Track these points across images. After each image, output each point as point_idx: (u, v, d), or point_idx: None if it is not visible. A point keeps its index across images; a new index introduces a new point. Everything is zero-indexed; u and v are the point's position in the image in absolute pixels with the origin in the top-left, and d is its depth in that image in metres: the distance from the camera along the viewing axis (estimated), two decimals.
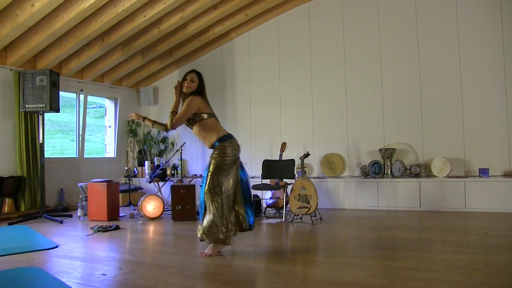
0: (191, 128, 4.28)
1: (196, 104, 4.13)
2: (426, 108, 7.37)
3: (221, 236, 4.02)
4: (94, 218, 6.55)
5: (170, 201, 6.75)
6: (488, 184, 6.56)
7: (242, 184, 4.21)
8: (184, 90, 4.23)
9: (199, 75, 4.26)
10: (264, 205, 7.15)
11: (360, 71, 7.90)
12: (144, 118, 4.34)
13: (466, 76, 7.11)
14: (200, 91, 4.23)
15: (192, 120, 4.19)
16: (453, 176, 6.93)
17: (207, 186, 4.04)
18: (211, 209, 4.01)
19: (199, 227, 4.12)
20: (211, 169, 4.05)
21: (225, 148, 4.10)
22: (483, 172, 6.71)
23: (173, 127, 4.15)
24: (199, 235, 4.12)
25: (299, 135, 8.28)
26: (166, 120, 4.23)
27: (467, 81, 7.10)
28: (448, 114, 7.21)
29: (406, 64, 7.55)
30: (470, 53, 7.10)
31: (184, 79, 4.23)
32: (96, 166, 8.88)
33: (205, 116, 4.17)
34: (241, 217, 4.18)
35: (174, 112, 4.18)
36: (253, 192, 6.49)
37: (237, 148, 4.21)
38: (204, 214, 4.09)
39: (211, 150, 4.18)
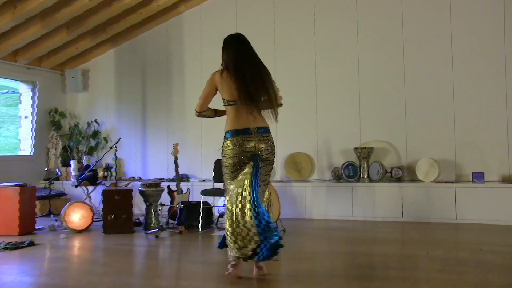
0: None
1: (209, 82, 4.09)
2: (410, 101, 7.45)
3: (231, 254, 3.83)
4: (1, 232, 6.27)
5: (102, 209, 6.61)
6: (483, 191, 6.66)
7: (252, 194, 3.84)
8: None
9: (223, 42, 4.15)
10: (216, 214, 7.06)
11: (333, 57, 7.91)
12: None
13: (459, 65, 7.22)
14: (224, 65, 4.08)
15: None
16: (441, 181, 7.02)
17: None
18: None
19: None
20: None
21: (223, 147, 4.02)
22: (477, 176, 6.82)
23: (198, 113, 4.23)
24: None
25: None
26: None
27: (460, 71, 7.21)
28: (437, 108, 7.32)
29: (388, 50, 7.61)
30: (464, 39, 7.21)
31: None
32: (6, 166, 8.54)
33: (225, 101, 4.05)
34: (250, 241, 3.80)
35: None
36: (203, 198, 6.44)
37: (238, 147, 3.90)
38: None
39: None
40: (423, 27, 7.43)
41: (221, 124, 4.29)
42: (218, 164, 6.87)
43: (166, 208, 7.01)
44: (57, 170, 9.06)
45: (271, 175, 4.17)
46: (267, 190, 4.06)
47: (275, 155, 4.04)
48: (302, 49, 8.08)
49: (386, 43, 7.62)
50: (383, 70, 7.63)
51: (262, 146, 3.89)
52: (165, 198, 6.92)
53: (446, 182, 6.98)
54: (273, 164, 4.03)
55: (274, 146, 4.01)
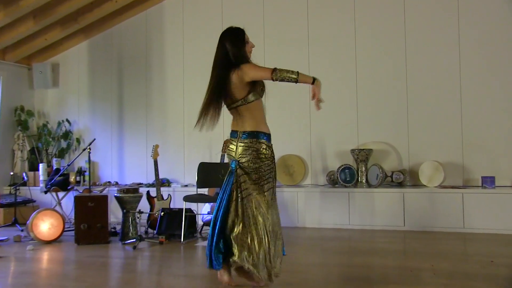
0: None
1: None
2: (413, 98, 7.47)
3: None
4: None
5: (73, 217, 6.56)
6: (494, 197, 6.66)
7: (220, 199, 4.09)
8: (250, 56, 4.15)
9: None
10: (200, 223, 7.07)
11: (328, 51, 7.93)
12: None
13: (467, 59, 7.23)
14: None
15: None
16: (447, 186, 7.04)
17: None
18: None
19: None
20: None
21: None
22: (487, 181, 6.82)
23: None
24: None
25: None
26: None
27: (468, 65, 7.22)
28: (442, 106, 7.34)
29: (388, 43, 7.63)
30: (473, 31, 7.22)
31: (247, 41, 4.11)
32: None
33: None
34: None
35: None
36: (186, 205, 6.41)
37: (226, 149, 4.17)
38: None
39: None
40: (427, 19, 7.44)
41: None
42: (201, 168, 6.84)
43: (145, 216, 6.97)
44: (24, 174, 9.00)
45: (270, 188, 4.04)
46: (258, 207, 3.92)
47: (261, 164, 3.94)
48: (294, 42, 8.08)
49: (386, 35, 7.63)
50: (383, 64, 7.64)
51: (240, 151, 3.95)
52: (144, 205, 6.88)
53: (452, 187, 6.99)
54: (258, 173, 3.92)
55: (256, 153, 3.95)
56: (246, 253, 3.80)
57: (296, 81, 3.84)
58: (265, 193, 3.92)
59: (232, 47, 4.01)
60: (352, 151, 7.48)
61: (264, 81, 4.02)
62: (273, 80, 3.82)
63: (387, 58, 7.62)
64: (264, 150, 3.97)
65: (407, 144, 7.48)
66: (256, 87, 3.97)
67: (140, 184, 8.62)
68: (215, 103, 4.01)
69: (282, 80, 3.82)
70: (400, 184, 7.25)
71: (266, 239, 3.87)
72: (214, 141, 8.21)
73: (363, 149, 7.40)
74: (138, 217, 6.43)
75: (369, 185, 7.35)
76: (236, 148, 3.97)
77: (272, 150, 4.07)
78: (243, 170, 3.93)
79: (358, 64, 7.74)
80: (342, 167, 7.44)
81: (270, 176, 3.97)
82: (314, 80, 3.86)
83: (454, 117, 7.25)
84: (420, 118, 7.42)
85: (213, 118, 4.03)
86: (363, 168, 7.40)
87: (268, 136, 4.05)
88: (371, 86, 7.67)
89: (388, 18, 7.62)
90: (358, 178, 7.41)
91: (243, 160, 3.93)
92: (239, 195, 3.92)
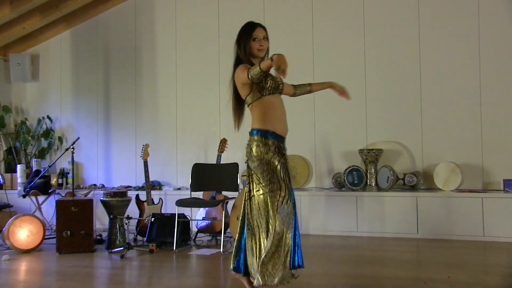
0: None
1: None
2: (427, 94, 7.46)
3: None
4: None
5: (55, 224, 6.55)
6: None
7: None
8: (262, 55, 4.31)
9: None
10: (195, 229, 7.07)
11: (334, 42, 7.93)
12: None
13: (487, 51, 7.21)
14: None
15: None
16: (465, 190, 7.03)
17: None
18: None
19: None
20: None
21: None
22: (510, 185, 6.83)
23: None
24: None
25: (246, 129, 8.16)
26: None
27: (488, 58, 7.20)
28: (460, 103, 7.32)
29: (400, 33, 7.62)
30: (493, 19, 7.20)
31: (255, 38, 4.29)
32: None
33: None
34: None
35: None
36: (179, 210, 6.40)
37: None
38: None
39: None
40: (443, 8, 7.42)
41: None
42: (196, 169, 6.83)
43: (133, 222, 6.95)
44: None
45: (274, 189, 4.05)
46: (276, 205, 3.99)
47: (254, 161, 4.06)
48: (298, 32, 8.09)
49: (397, 24, 7.62)
50: (395, 57, 7.63)
51: (246, 150, 4.15)
52: (132, 210, 6.89)
53: (470, 191, 6.98)
54: (259, 172, 4.02)
55: (251, 151, 4.10)
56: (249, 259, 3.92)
57: (262, 71, 3.82)
58: (267, 194, 3.92)
59: (236, 46, 4.28)
60: (361, 151, 7.47)
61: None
62: (252, 81, 3.92)
63: (399, 50, 7.60)
64: (262, 147, 4.07)
65: (420, 144, 7.47)
66: (261, 84, 4.05)
67: (129, 187, 8.61)
68: (234, 102, 4.29)
69: (257, 78, 3.89)
70: (413, 188, 7.24)
71: (261, 244, 3.92)
72: (209, 140, 8.20)
73: (373, 149, 7.39)
74: (126, 223, 6.41)
75: (379, 188, 7.35)
76: (246, 147, 4.12)
77: (276, 148, 4.12)
78: (249, 170, 4.08)
79: (367, 57, 7.72)
80: (349, 169, 7.43)
81: (273, 176, 3.98)
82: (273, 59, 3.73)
83: (473, 114, 7.23)
84: (435, 115, 7.41)
85: (240, 117, 4.37)
86: (372, 170, 7.39)
87: (274, 135, 4.15)
88: (381, 81, 7.67)
89: (401, 7, 7.60)
90: (366, 181, 7.40)
91: (246, 159, 4.08)
92: (246, 194, 4.05)
